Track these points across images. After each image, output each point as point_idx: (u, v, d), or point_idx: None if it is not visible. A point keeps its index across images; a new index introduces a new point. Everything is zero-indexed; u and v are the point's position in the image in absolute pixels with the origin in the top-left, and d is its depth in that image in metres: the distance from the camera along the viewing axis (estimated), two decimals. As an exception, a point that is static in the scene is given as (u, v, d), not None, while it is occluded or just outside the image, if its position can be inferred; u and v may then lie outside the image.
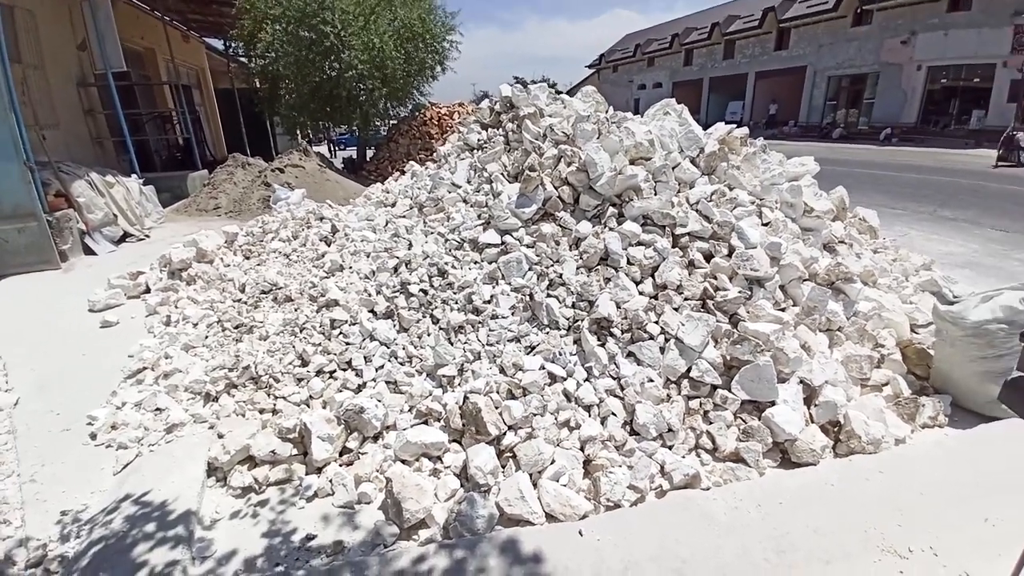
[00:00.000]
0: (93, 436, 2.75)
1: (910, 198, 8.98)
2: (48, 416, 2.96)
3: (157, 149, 11.24)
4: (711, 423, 2.53)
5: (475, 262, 3.28)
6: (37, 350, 3.72)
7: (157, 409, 2.89)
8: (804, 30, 25.17)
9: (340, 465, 2.44)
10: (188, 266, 4.80)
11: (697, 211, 3.26)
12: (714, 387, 2.62)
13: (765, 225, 3.31)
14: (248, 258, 4.77)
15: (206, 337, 3.56)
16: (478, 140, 4.21)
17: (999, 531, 1.97)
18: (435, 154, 4.83)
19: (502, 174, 3.67)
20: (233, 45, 13.53)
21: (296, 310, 3.45)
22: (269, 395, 2.85)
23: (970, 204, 8.39)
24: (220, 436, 2.60)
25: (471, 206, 3.65)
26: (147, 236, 7.11)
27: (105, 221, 6.57)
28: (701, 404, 2.59)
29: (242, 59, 13.96)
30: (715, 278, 2.98)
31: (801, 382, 2.61)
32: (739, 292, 2.89)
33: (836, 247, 3.55)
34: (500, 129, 4.15)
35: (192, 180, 9.65)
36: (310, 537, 2.10)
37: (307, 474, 2.42)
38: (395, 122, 13.27)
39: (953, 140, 18.17)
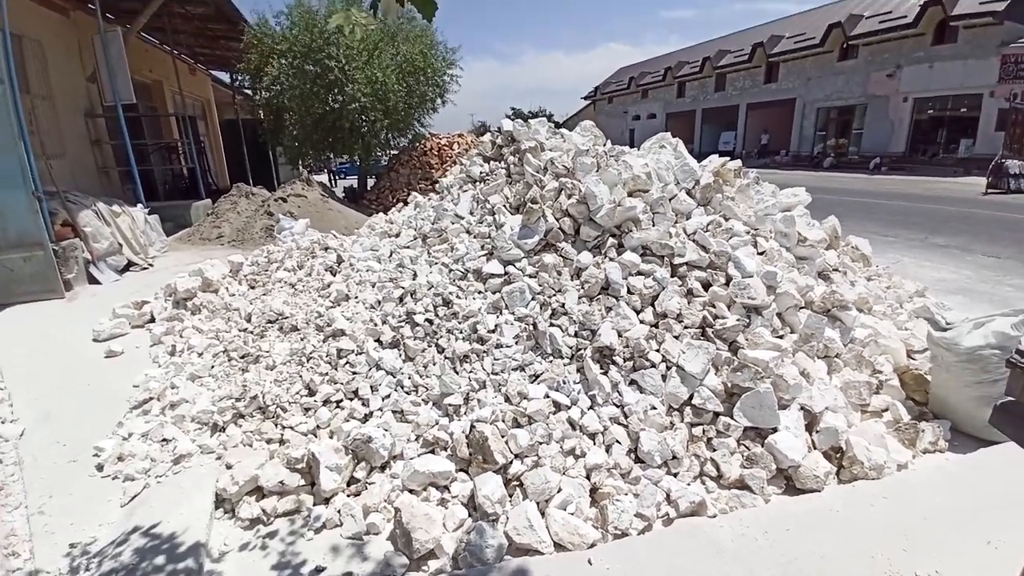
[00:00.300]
0: (100, 467, 2.75)
1: (901, 225, 9.17)
2: (54, 447, 2.96)
3: (163, 179, 11.43)
4: (715, 450, 2.56)
5: (479, 292, 3.35)
6: (42, 380, 3.73)
7: (164, 440, 2.89)
8: (792, 64, 26.03)
9: (348, 495, 2.46)
10: (193, 295, 4.85)
11: (694, 241, 3.36)
12: (716, 414, 2.66)
13: (760, 254, 3.40)
14: (253, 287, 4.83)
15: (212, 367, 3.58)
16: (480, 172, 4.34)
17: (1001, 553, 1.99)
18: (437, 184, 4.95)
19: (504, 206, 3.78)
20: (239, 78, 13.89)
21: (302, 340, 3.49)
22: (276, 425, 2.88)
23: (961, 231, 8.57)
24: (228, 467, 2.61)
25: (474, 237, 3.74)
26: (151, 265, 7.18)
27: (110, 250, 6.65)
28: (704, 431, 2.63)
29: (247, 91, 14.31)
30: (714, 306, 3.05)
31: (802, 408, 2.66)
32: (737, 320, 2.96)
33: (830, 275, 3.64)
34: (502, 162, 4.29)
35: (196, 209, 9.79)
36: (320, 569, 2.10)
37: (315, 505, 2.42)
38: (396, 152, 13.55)
39: (942, 168, 18.61)
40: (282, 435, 2.80)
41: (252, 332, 3.85)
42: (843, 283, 3.60)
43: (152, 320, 4.71)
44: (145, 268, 7.07)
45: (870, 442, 2.58)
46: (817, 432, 2.60)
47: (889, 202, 12.12)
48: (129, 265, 6.96)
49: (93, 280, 6.24)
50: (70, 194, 6.72)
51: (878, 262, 4.60)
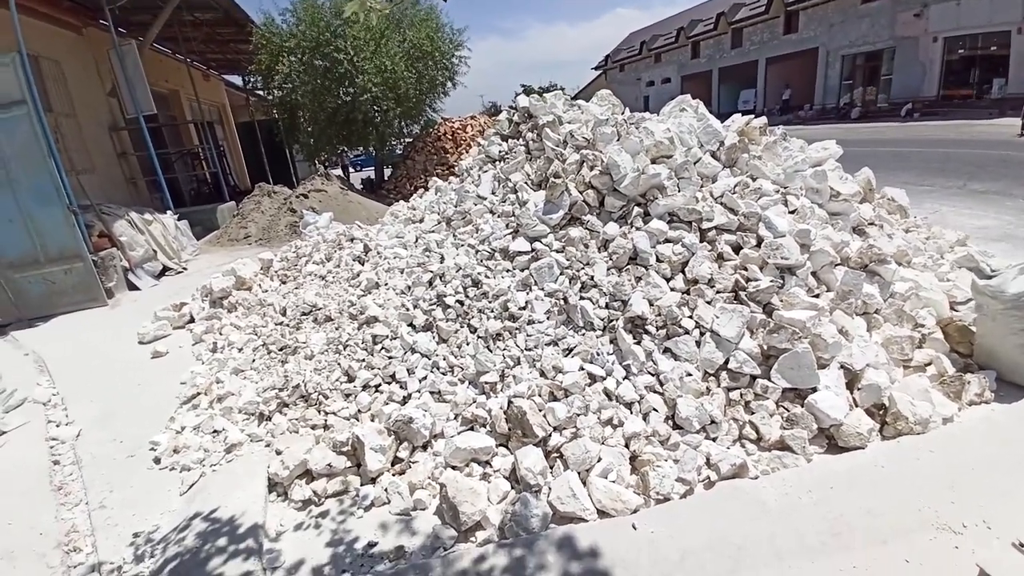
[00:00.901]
0: (157, 460, 2.90)
1: (937, 173, 8.77)
2: (112, 445, 3.12)
3: (188, 185, 11.71)
4: (753, 413, 2.55)
5: (507, 270, 3.36)
6: (93, 383, 3.91)
7: (215, 431, 3.03)
8: (813, 11, 24.81)
9: (393, 474, 2.54)
10: (228, 294, 5.00)
11: (722, 204, 3.29)
12: (753, 377, 2.64)
13: (792, 213, 3.31)
14: (285, 282, 4.95)
15: (253, 360, 3.71)
16: (499, 152, 4.32)
17: (1052, 501, 1.95)
18: (454, 168, 4.95)
19: (526, 183, 3.76)
20: (251, 80, 14.03)
21: (337, 329, 3.58)
22: (320, 411, 2.97)
23: (1000, 175, 8.14)
24: (278, 453, 2.72)
25: (498, 216, 3.74)
26: (185, 269, 7.41)
27: (146, 257, 6.88)
28: (742, 395, 2.61)
29: (260, 92, 14.45)
30: (745, 269, 3.00)
31: (842, 367, 2.61)
32: (771, 281, 2.90)
33: (866, 229, 3.53)
34: (520, 139, 4.25)
35: (221, 212, 10.03)
36: (372, 544, 2.19)
37: (362, 485, 2.51)
38: (410, 140, 13.55)
39: (976, 111, 17.64)
40: (326, 420, 2.90)
41: (288, 325, 3.96)
42: (880, 237, 3.48)
43: (192, 320, 4.89)
44: (180, 272, 7.30)
45: (914, 397, 2.52)
46: (859, 390, 2.56)
47: (923, 149, 11.58)
48: (165, 270, 7.20)
49: (132, 287, 6.48)
50: (103, 206, 6.95)
51: (916, 213, 4.43)
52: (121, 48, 8.46)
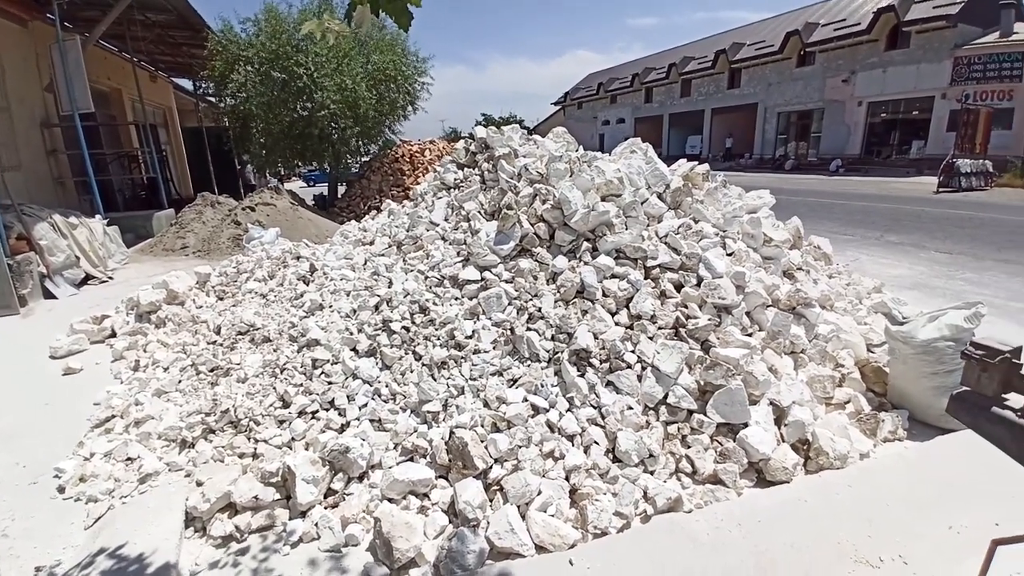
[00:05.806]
0: (61, 489, 2.64)
1: (858, 224, 9.56)
2: (14, 469, 2.84)
3: (120, 188, 11.05)
4: (689, 447, 2.62)
5: (456, 298, 3.35)
6: (-4, 400, 3.57)
7: (128, 459, 2.80)
8: (753, 70, 26.91)
9: (325, 508, 2.41)
10: (157, 308, 4.70)
11: (666, 244, 3.44)
12: (690, 412, 2.72)
13: (729, 255, 3.50)
14: (222, 299, 4.71)
15: (179, 382, 3.48)
16: (455, 179, 4.34)
17: (962, 537, 2.10)
18: (409, 191, 4.93)
19: (479, 212, 3.79)
20: (203, 85, 13.56)
21: (275, 351, 3.42)
22: (249, 439, 2.81)
23: (914, 228, 8.98)
24: (199, 484, 2.54)
25: (450, 244, 3.74)
26: (111, 278, 6.93)
27: (67, 264, 6.39)
28: (679, 429, 2.68)
29: (211, 99, 13.98)
30: (686, 307, 3.13)
31: (771, 403, 2.74)
32: (709, 320, 3.03)
33: (794, 274, 3.78)
34: (476, 169, 4.30)
35: (158, 219, 9.50)
36: (297, 583, 2.07)
37: (291, 519, 2.37)
38: (367, 159, 13.41)
39: (895, 169, 19.49)
40: (255, 449, 2.74)
41: (222, 344, 3.75)
42: (807, 281, 3.73)
43: (113, 335, 4.55)
44: (104, 281, 6.81)
45: (834, 433, 2.68)
46: (785, 425, 2.69)
47: (847, 202, 12.62)
48: (87, 278, 6.70)
49: (49, 295, 5.99)
50: (25, 206, 6.44)
51: (838, 260, 4.79)
52: (64, 43, 8.01)
